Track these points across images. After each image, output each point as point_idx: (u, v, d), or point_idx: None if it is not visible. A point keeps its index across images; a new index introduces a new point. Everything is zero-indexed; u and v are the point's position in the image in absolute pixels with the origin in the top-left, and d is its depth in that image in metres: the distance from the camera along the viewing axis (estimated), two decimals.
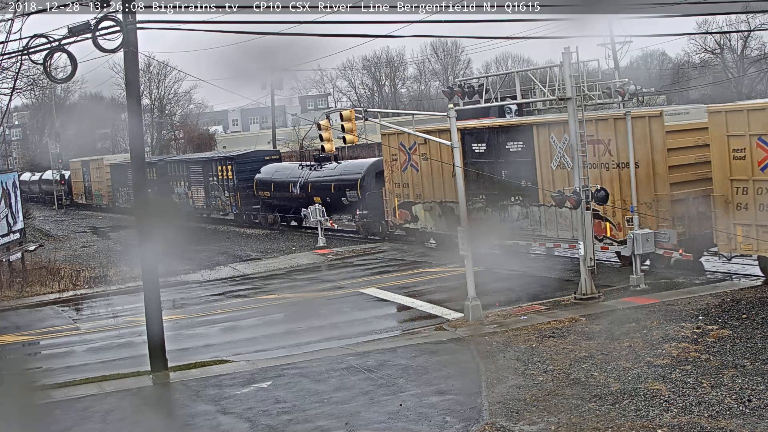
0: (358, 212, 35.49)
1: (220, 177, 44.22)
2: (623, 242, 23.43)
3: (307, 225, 38.93)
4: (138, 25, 17.10)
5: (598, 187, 21.58)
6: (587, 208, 21.09)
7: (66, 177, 67.77)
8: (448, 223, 29.20)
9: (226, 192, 44.07)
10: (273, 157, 44.12)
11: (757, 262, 22.08)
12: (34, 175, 74.50)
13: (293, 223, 41.64)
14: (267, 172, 41.64)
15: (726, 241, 21.35)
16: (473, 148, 27.96)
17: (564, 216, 24.98)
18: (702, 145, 22.39)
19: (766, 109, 20.92)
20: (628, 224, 23.25)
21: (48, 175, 71.06)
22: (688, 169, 22.68)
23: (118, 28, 16.41)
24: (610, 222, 24.34)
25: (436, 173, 30.09)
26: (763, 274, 21.83)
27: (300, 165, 40.48)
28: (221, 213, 45.31)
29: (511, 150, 26.67)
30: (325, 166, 37.83)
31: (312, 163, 39.50)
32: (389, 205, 33.12)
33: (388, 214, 33.37)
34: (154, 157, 54.56)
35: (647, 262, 24.02)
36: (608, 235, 24.47)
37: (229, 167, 43.43)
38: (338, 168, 37.18)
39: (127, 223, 48.77)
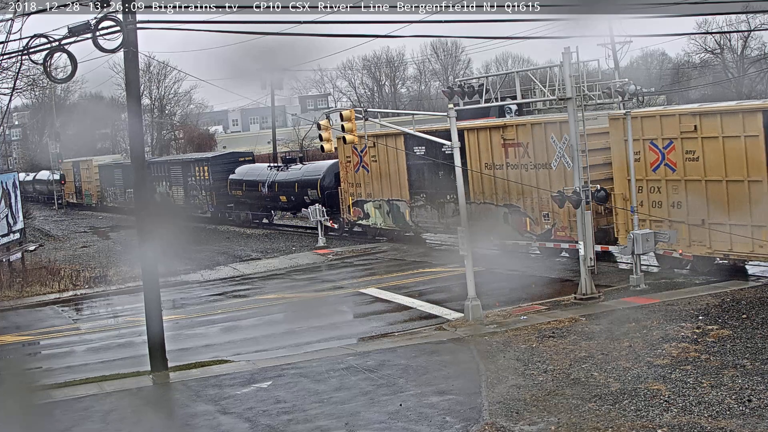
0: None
1: (197, 177, 46.88)
2: (539, 236, 26.76)
3: (276, 222, 42.97)
4: (138, 25, 17.11)
5: (599, 188, 21.61)
6: (587, 208, 21.12)
7: (59, 177, 69.26)
8: (394, 219, 32.76)
9: (203, 191, 46.73)
10: (246, 159, 46.52)
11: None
12: (28, 175, 74.78)
13: (264, 220, 43.92)
14: (240, 172, 44.01)
15: (625, 235, 23.04)
16: (414, 150, 30.12)
17: (491, 213, 27.98)
18: (608, 147, 24.52)
19: (656, 116, 23.29)
20: (545, 219, 26.32)
21: (42, 175, 72.24)
22: (597, 170, 23.96)
23: (118, 28, 16.42)
24: (530, 218, 26.70)
25: (384, 174, 32.71)
26: (657, 263, 24.20)
27: (268, 166, 43.20)
28: (200, 211, 47.47)
29: (446, 152, 27.57)
30: (291, 167, 40.56)
31: (279, 164, 42.48)
32: (344, 203, 35.57)
33: (343, 212, 35.71)
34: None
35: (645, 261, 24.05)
36: (527, 229, 26.98)
37: (205, 168, 46.19)
38: (302, 169, 39.85)
39: (117, 221, 52.11)
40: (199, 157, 48.67)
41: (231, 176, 44.12)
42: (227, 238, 40.92)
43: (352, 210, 35.19)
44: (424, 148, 29.96)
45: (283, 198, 40.24)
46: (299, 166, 40.39)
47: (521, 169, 26.68)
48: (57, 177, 68.12)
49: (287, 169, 40.74)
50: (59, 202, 67.92)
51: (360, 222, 35.12)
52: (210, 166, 45.90)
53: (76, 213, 63.72)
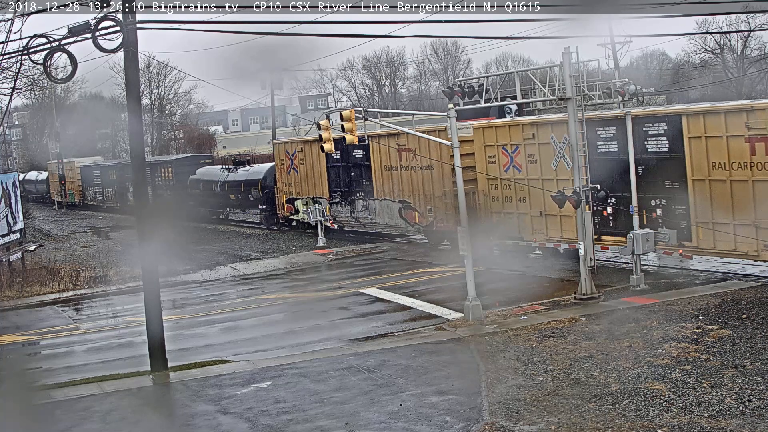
0: (260, 207, 42.47)
1: (163, 178, 51.29)
2: (425, 227, 31.30)
3: (232, 218, 46.15)
4: (138, 25, 17.10)
5: (598, 188, 21.64)
6: (588, 207, 21.12)
7: (45, 177, 72.94)
8: (320, 215, 36.79)
9: (167, 191, 50.73)
10: (206, 161, 51.09)
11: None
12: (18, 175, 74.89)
13: (221, 216, 47.00)
14: (199, 173, 48.11)
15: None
16: (332, 155, 32.48)
17: (390, 208, 32.70)
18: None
19: (506, 126, 27.42)
20: (429, 213, 30.72)
21: (30, 175, 75.62)
22: (470, 171, 26.98)
23: (118, 28, 16.42)
24: (418, 211, 31.26)
25: (309, 175, 37.70)
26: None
27: (221, 168, 47.36)
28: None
29: (356, 156, 34.37)
30: (240, 169, 44.75)
31: (231, 166, 46.53)
32: (279, 200, 40.43)
33: (279, 208, 40.63)
34: (113, 161, 62.43)
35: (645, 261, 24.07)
36: (416, 221, 31.49)
37: (170, 169, 50.62)
38: (249, 171, 43.93)
39: (97, 219, 57.23)
40: (164, 160, 53.37)
41: (191, 177, 47.99)
42: (227, 238, 40.95)
43: (285, 207, 39.75)
44: (339, 153, 34.03)
45: (232, 196, 44.36)
46: (247, 168, 44.48)
47: (411, 170, 31.46)
48: (44, 177, 71.81)
49: (236, 170, 44.72)
50: (58, 201, 68.06)
51: (292, 217, 39.74)
52: (174, 167, 50.19)
53: (63, 211, 65.91)
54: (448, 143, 21.00)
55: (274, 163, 41.24)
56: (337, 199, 35.88)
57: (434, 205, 30.27)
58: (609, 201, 24.13)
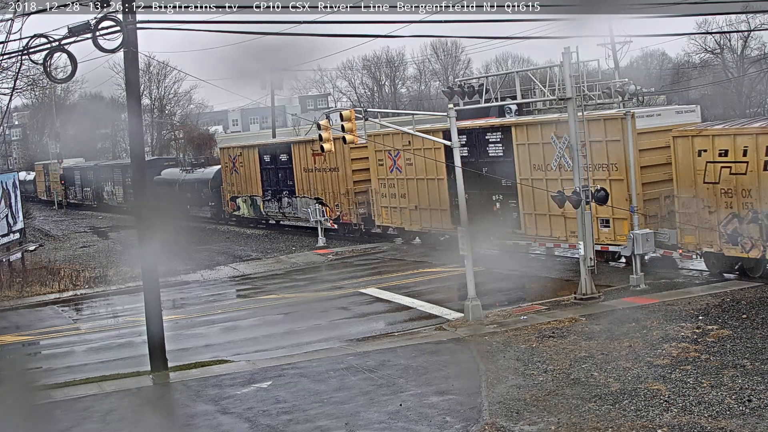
0: (210, 204, 47.16)
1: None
2: (336, 219, 36.16)
3: (192, 214, 48.49)
4: (138, 25, 17.10)
5: (598, 188, 21.63)
6: (587, 207, 21.12)
7: (32, 178, 76.22)
8: (254, 210, 42.71)
9: None
10: (170, 163, 54.78)
11: None
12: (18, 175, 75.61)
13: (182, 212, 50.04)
14: (164, 174, 52.31)
15: (377, 217, 33.93)
16: (264, 158, 40.93)
17: (308, 204, 37.73)
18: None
19: (389, 134, 30.87)
20: (336, 208, 35.83)
21: (20, 176, 74.99)
22: (366, 173, 34.21)
23: (118, 28, 16.41)
24: (328, 206, 36.32)
25: (247, 176, 42.62)
26: (401, 238, 33.78)
27: (180, 169, 51.76)
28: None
29: (282, 160, 40.18)
30: (196, 170, 49.75)
31: (188, 167, 51.19)
32: (224, 198, 45.32)
33: (224, 205, 45.50)
34: (90, 162, 65.84)
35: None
36: (327, 215, 36.33)
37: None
38: (202, 172, 48.98)
39: (76, 216, 61.03)
40: None
41: (156, 177, 51.17)
42: (227, 238, 40.96)
43: (230, 204, 44.73)
44: (269, 156, 40.69)
45: (189, 194, 49.15)
46: (202, 169, 49.35)
47: (323, 172, 36.78)
48: (31, 177, 75.01)
49: (193, 172, 49.89)
50: (59, 202, 68.17)
51: (235, 213, 44.41)
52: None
53: (50, 208, 68.41)
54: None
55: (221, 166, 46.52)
56: (269, 197, 41.24)
57: (340, 201, 35.83)
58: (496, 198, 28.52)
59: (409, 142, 30.24)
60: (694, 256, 23.18)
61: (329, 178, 36.44)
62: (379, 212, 33.59)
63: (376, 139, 31.20)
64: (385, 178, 32.76)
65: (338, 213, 35.95)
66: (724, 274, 22.26)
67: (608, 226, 24.33)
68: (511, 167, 27.05)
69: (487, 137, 27.92)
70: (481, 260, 23.93)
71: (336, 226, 36.72)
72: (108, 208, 58.93)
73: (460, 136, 25.83)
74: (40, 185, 75.31)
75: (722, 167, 21.43)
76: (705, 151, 21.45)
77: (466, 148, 28.18)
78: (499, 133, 27.62)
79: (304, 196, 38.31)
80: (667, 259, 23.94)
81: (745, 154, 20.84)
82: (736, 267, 22.00)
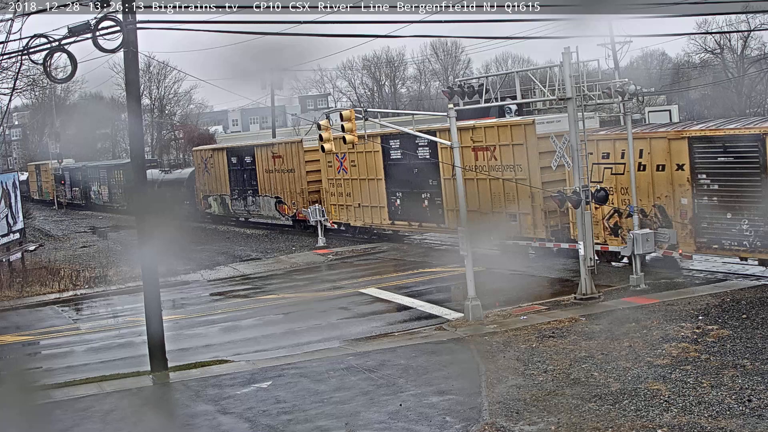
0: (185, 202, 49.45)
1: (116, 179, 59.49)
2: (291, 216, 39.87)
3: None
4: (138, 25, 17.09)
5: (598, 188, 21.64)
6: (587, 208, 21.12)
7: (25, 178, 77.57)
8: (224, 208, 45.94)
9: (119, 190, 59.01)
10: (151, 165, 55.51)
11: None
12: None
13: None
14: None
15: (327, 214, 36.29)
16: (232, 160, 44.53)
17: (269, 202, 41.27)
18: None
19: (338, 139, 32.94)
20: (293, 205, 39.43)
21: None
22: (319, 174, 37.45)
23: (118, 28, 16.42)
24: (286, 204, 39.91)
25: (217, 177, 45.81)
26: (348, 232, 36.57)
27: (160, 170, 54.39)
28: (118, 205, 58.66)
29: (247, 161, 43.44)
30: (174, 171, 53.17)
31: (167, 168, 55.09)
32: (197, 197, 48.37)
33: (197, 204, 48.54)
34: (78, 163, 68.29)
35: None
36: (285, 212, 40.06)
37: (121, 171, 57.89)
38: (179, 172, 52.04)
39: (65, 214, 63.70)
40: (116, 164, 61.29)
41: None
42: (227, 238, 40.97)
43: (202, 202, 47.73)
44: (236, 158, 44.14)
45: (167, 194, 51.03)
46: (179, 170, 52.85)
47: (281, 173, 40.19)
48: (24, 178, 75.43)
49: (171, 172, 53.18)
50: (59, 201, 68.28)
51: (207, 211, 47.38)
52: (124, 170, 57.00)
53: (39, 206, 69.88)
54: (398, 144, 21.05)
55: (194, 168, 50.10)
56: (236, 196, 44.55)
57: (296, 200, 39.17)
58: (397, 194, 32.76)
59: (353, 145, 31.51)
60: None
61: (287, 178, 39.75)
62: (329, 210, 36.41)
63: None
64: (334, 179, 35.95)
65: (294, 211, 39.55)
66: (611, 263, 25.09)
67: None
68: (437, 169, 30.23)
69: (416, 142, 30.60)
70: (481, 260, 23.92)
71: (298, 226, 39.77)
72: (94, 207, 62.62)
73: (393, 141, 32.36)
74: (32, 185, 77.71)
75: (605, 168, 24.39)
76: (591, 153, 22.98)
77: (399, 151, 32.32)
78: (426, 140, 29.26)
79: (266, 195, 41.56)
80: (668, 259, 23.95)
81: (623, 156, 23.69)
82: (620, 256, 24.70)
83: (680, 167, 22.48)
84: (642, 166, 23.23)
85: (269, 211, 41.39)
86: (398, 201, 32.70)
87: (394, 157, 32.53)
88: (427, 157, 30.62)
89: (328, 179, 36.32)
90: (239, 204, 44.24)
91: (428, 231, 32.48)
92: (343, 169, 35.20)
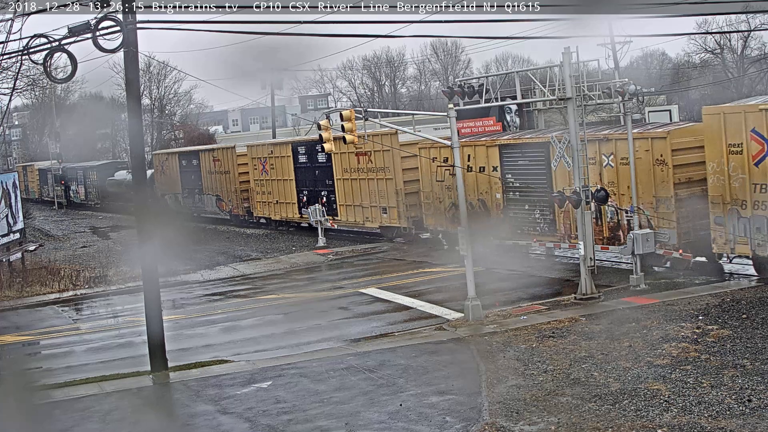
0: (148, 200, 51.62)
1: (91, 179, 63.71)
2: (228, 212, 45.76)
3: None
4: (138, 25, 17.09)
5: (599, 188, 21.64)
6: (587, 207, 21.12)
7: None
8: (177, 205, 50.69)
9: (94, 189, 63.33)
10: (122, 166, 60.16)
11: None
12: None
13: (131, 209, 55.18)
14: (116, 176, 58.79)
15: (254, 210, 42.98)
16: (182, 163, 50.20)
17: (211, 200, 46.95)
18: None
19: (264, 146, 41.26)
20: (229, 202, 45.19)
21: None
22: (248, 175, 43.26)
23: (118, 28, 16.41)
24: (224, 201, 45.33)
25: (171, 177, 51.34)
26: (271, 225, 42.27)
27: (127, 171, 55.85)
28: (93, 203, 63.50)
29: (194, 163, 48.96)
30: None
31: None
32: (157, 196, 50.97)
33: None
34: (61, 164, 70.62)
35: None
36: (224, 209, 45.79)
37: (95, 172, 62.51)
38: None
39: (44, 211, 67.18)
40: (92, 165, 64.78)
41: (109, 179, 59.28)
42: (227, 238, 40.99)
43: (160, 200, 51.70)
44: (186, 161, 49.76)
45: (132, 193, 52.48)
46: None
47: (219, 174, 45.89)
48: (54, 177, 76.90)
49: None
50: (59, 202, 68.42)
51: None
52: (98, 171, 61.97)
53: (50, 208, 70.58)
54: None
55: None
56: (186, 195, 50.03)
57: (231, 197, 44.93)
58: (304, 191, 38.40)
59: (272, 151, 40.97)
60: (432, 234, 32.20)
61: (224, 179, 45.48)
62: (255, 206, 42.81)
63: (252, 148, 42.75)
64: (259, 179, 41.90)
65: (230, 207, 45.28)
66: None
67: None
68: (331, 170, 36.32)
69: (317, 148, 35.86)
70: (481, 260, 23.94)
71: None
72: (74, 205, 67.17)
73: (300, 147, 38.97)
74: (20, 185, 78.23)
75: (445, 169, 29.36)
76: (435, 158, 29.65)
77: (305, 156, 38.48)
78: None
79: (208, 194, 47.61)
80: (668, 259, 23.91)
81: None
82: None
83: (495, 168, 27.90)
84: (470, 168, 28.18)
85: (212, 207, 47.13)
86: (305, 198, 38.45)
87: (302, 161, 38.86)
88: (325, 161, 36.72)
89: (254, 180, 42.27)
90: (189, 201, 49.76)
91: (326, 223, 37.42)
92: (265, 171, 41.35)
